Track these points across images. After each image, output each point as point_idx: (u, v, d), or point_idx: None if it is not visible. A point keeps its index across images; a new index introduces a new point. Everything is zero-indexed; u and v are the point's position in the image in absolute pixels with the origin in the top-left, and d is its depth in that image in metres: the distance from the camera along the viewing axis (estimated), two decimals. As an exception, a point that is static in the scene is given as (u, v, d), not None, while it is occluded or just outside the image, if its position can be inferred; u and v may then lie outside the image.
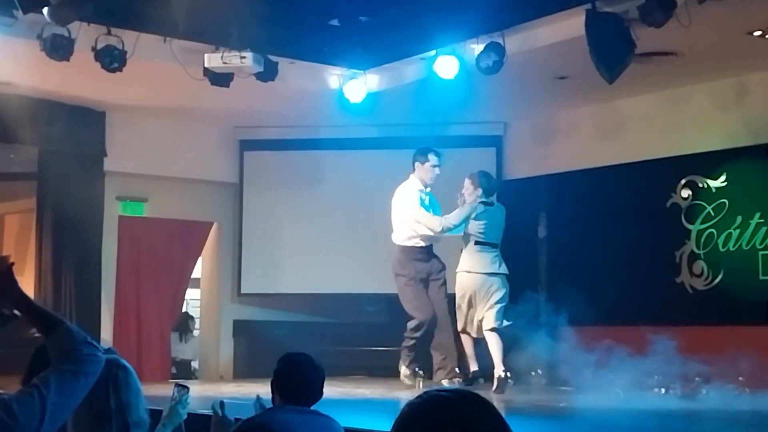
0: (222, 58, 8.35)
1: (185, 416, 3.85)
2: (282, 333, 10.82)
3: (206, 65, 8.46)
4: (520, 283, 8.78)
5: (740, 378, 7.45)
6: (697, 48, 8.26)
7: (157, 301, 11.27)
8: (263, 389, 4.14)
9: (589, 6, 7.39)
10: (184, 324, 11.45)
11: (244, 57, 8.32)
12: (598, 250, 9.99)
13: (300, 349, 4.04)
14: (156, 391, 5.57)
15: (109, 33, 8.16)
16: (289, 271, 11.33)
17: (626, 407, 6.78)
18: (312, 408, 3.79)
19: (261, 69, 8.58)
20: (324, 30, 8.87)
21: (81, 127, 10.39)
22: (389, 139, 11.04)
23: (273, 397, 3.88)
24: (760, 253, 8.98)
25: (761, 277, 8.99)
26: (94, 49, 8.11)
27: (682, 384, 7.66)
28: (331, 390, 4.04)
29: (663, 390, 7.62)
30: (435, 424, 1.65)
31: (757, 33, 7.89)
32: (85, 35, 8.05)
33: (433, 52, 8.60)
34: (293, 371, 3.82)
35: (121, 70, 8.25)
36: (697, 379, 7.85)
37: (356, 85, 9.39)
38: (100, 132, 10.63)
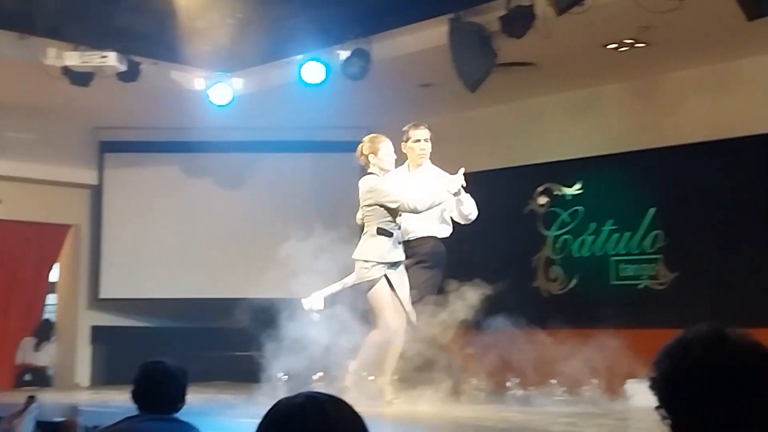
0: (82, 56, 8.14)
1: (33, 425, 3.77)
2: (143, 339, 10.61)
3: (65, 64, 8.23)
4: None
5: (593, 380, 7.70)
6: (555, 59, 8.53)
7: (9, 306, 10.91)
8: (121, 397, 4.07)
9: (452, 15, 7.54)
10: (43, 330, 11.12)
11: (105, 56, 8.14)
12: (456, 255, 10.15)
13: (161, 356, 3.98)
14: (6, 399, 5.40)
15: (-37, 28, 7.87)
16: (151, 275, 11.13)
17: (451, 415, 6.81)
18: (174, 415, 3.75)
19: (123, 69, 8.41)
20: (188, 31, 8.76)
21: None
22: (257, 142, 10.97)
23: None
24: (612, 258, 9.34)
25: (612, 282, 9.34)
26: (-54, 44, 7.81)
27: (537, 387, 7.85)
28: (194, 396, 4.00)
29: (520, 392, 7.80)
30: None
31: (612, 46, 8.20)
32: (-63, 31, 7.74)
33: (300, 56, 8.60)
34: (150, 380, 3.77)
35: (-25, 67, 7.96)
36: (552, 381, 8.08)
37: (222, 87, 9.31)
38: (-49, 131, 10.23)
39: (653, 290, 9.09)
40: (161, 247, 11.12)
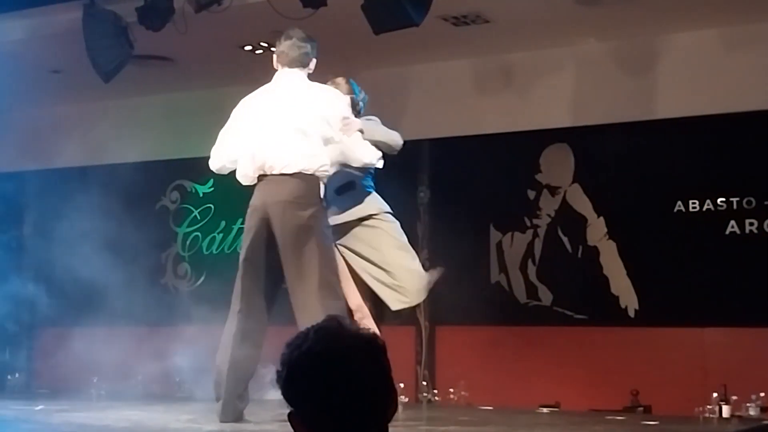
0: None
1: None
2: None
3: None
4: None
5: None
6: (192, 56, 8.52)
7: None
8: None
9: (87, 1, 7.29)
10: None
11: None
12: (88, 250, 9.85)
13: None
14: None
15: None
16: None
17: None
18: None
19: None
20: None
21: None
22: None
23: None
24: (242, 256, 9.49)
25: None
26: None
27: (162, 384, 7.82)
28: None
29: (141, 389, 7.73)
30: None
31: (248, 48, 8.34)
32: None
33: None
34: None
35: None
36: (177, 379, 8.07)
37: None
38: None
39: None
40: None
